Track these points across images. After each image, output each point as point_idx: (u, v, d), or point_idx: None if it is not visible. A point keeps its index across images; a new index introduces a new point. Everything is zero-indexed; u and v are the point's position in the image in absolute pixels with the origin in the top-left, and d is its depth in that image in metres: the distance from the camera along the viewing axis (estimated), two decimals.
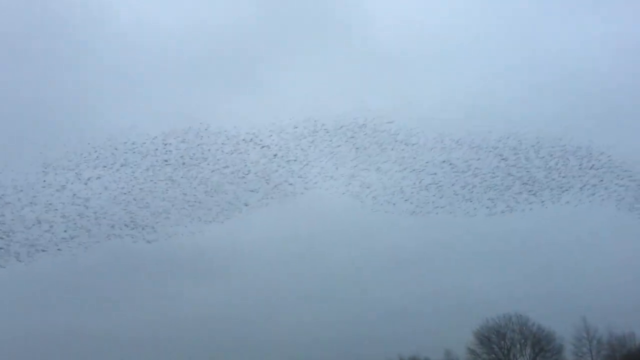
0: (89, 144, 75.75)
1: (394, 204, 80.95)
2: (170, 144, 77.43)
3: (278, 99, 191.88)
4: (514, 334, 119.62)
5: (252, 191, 78.15)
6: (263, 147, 79.93)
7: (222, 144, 78.88)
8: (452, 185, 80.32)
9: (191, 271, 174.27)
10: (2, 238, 67.84)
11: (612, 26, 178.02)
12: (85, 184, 73.49)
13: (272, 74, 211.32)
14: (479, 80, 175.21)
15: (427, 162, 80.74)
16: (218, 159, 78.01)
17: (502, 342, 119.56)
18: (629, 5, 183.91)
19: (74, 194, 72.83)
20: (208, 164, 77.59)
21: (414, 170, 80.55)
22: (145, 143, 76.73)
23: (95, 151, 75.04)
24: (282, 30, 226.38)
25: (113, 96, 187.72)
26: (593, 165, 77.10)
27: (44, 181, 72.51)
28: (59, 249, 71.92)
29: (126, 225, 74.36)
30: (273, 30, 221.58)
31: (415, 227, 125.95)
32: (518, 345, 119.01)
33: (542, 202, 78.19)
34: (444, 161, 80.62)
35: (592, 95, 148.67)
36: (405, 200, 79.93)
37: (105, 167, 75.10)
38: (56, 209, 71.75)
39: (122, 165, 75.53)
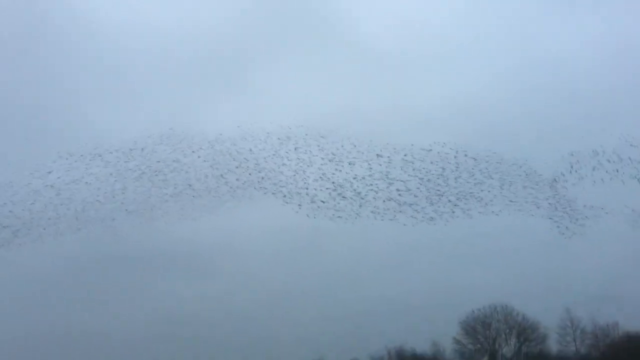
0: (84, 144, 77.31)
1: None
2: (161, 143, 78.76)
3: (270, 100, 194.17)
4: (499, 323, 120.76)
5: (240, 188, 79.44)
6: (250, 148, 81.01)
7: (210, 142, 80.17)
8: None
9: (185, 268, 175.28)
10: None
11: (612, 26, 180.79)
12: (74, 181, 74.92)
13: (265, 75, 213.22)
14: (477, 81, 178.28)
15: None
16: (205, 159, 79.30)
17: (488, 332, 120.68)
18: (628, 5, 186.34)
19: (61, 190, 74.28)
20: (195, 163, 78.85)
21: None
22: (136, 143, 78.12)
23: (84, 153, 76.33)
24: (276, 30, 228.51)
25: (103, 96, 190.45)
26: None
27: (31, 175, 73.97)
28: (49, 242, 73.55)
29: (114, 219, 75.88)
30: (266, 31, 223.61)
31: (402, 226, 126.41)
32: (503, 335, 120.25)
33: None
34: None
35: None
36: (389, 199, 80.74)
37: (92, 165, 76.32)
38: (48, 204, 73.33)
39: (108, 163, 76.74)
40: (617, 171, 73.82)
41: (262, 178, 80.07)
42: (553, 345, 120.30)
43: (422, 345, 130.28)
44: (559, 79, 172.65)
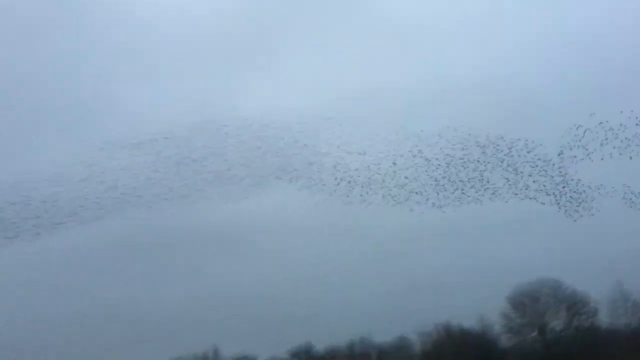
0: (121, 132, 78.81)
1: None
2: (195, 130, 79.74)
3: (296, 80, 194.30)
4: (548, 297, 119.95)
5: (275, 172, 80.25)
6: (283, 128, 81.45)
7: (245, 126, 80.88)
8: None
9: (227, 249, 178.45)
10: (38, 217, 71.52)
11: None
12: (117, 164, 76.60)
13: (291, 52, 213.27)
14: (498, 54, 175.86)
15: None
16: (238, 145, 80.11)
17: (536, 306, 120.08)
18: None
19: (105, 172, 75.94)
20: (229, 148, 79.77)
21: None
22: (171, 131, 79.30)
23: (124, 141, 77.70)
24: (300, 6, 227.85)
25: (131, 80, 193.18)
26: None
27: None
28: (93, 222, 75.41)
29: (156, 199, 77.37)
30: (290, 7, 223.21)
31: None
32: (552, 309, 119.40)
33: None
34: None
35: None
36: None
37: (132, 153, 77.76)
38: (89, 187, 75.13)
39: (147, 150, 78.09)
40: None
41: (295, 161, 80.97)
42: (604, 319, 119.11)
43: (469, 321, 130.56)
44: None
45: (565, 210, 76.21)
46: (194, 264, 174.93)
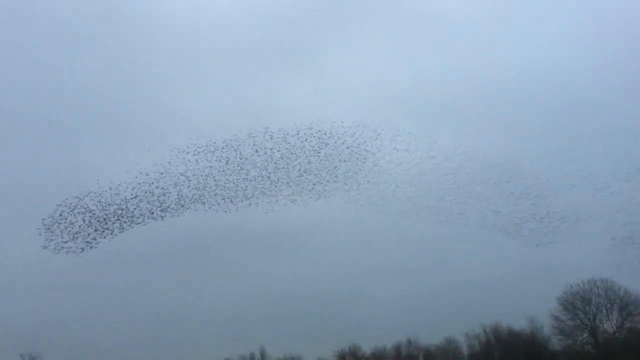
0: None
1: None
2: (247, 138, 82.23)
3: (341, 79, 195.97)
4: (600, 299, 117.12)
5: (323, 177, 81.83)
6: (324, 133, 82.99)
7: (289, 134, 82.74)
8: None
9: (276, 250, 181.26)
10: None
11: None
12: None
13: (335, 53, 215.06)
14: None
15: None
16: (286, 147, 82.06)
17: (587, 307, 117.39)
18: None
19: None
20: (278, 151, 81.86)
21: None
22: (225, 140, 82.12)
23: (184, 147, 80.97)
24: (342, 6, 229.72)
25: (186, 89, 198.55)
26: None
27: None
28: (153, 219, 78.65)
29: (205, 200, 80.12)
30: (332, 7, 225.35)
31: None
32: (604, 311, 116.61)
33: None
34: None
35: None
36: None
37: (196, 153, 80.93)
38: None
39: (204, 156, 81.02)
40: None
41: (343, 165, 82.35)
42: None
43: (518, 322, 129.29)
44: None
45: None
46: (245, 263, 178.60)
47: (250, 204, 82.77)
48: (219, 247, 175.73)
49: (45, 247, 74.17)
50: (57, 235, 74.72)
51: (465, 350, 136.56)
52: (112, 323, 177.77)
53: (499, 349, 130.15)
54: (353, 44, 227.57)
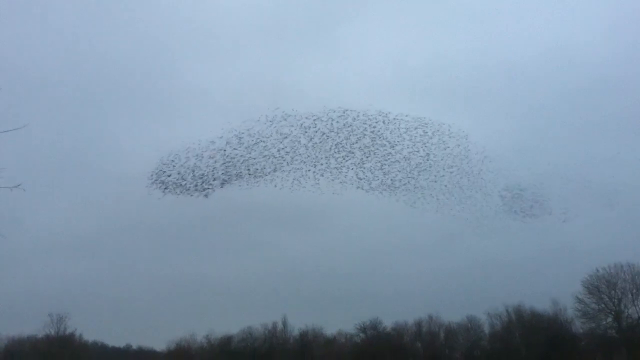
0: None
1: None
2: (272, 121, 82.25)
3: (356, 57, 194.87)
4: (626, 283, 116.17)
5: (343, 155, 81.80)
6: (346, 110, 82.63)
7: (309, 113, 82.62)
8: None
9: (301, 224, 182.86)
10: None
11: None
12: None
13: (353, 31, 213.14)
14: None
15: None
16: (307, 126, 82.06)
17: (613, 292, 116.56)
18: None
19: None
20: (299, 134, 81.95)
21: None
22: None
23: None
24: None
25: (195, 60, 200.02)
26: None
27: None
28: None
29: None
30: None
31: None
32: (630, 295, 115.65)
33: None
34: None
35: None
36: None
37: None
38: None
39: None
40: None
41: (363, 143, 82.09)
42: None
43: (541, 304, 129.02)
44: None
45: None
46: (272, 237, 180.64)
47: (271, 180, 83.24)
48: (247, 221, 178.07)
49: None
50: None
51: (486, 329, 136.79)
52: (137, 289, 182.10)
53: (520, 329, 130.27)
54: (369, 22, 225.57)
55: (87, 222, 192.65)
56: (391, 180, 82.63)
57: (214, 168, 79.78)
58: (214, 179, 79.85)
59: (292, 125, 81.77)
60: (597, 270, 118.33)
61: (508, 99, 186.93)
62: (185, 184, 78.93)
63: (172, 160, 79.21)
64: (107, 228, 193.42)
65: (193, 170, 79.37)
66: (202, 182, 79.59)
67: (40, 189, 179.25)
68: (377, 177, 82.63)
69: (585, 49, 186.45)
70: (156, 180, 78.39)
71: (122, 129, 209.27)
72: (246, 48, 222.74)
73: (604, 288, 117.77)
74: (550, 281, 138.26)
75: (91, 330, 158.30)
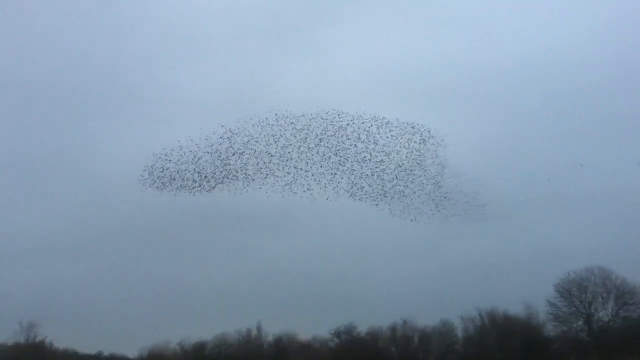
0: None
1: None
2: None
3: (334, 60, 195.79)
4: (596, 287, 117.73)
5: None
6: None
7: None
8: None
9: (275, 227, 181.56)
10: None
11: None
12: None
13: (331, 33, 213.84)
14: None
15: None
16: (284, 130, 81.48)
17: (584, 295, 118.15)
18: None
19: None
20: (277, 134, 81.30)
21: None
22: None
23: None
24: None
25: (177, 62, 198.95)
26: None
27: None
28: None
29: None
30: None
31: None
32: (600, 299, 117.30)
33: None
34: None
35: None
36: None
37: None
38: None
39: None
40: None
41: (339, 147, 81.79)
42: None
43: (514, 307, 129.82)
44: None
45: None
46: (243, 241, 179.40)
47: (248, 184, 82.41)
48: (218, 225, 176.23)
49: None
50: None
51: (460, 333, 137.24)
52: (110, 294, 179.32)
53: (494, 332, 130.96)
54: (347, 25, 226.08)
55: (57, 227, 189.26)
56: (383, 188, 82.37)
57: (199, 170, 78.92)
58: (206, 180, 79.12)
59: (285, 129, 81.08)
60: (569, 274, 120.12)
61: (489, 103, 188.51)
62: (186, 179, 77.99)
63: (167, 155, 78.01)
64: (78, 233, 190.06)
65: (195, 164, 78.35)
66: (202, 179, 78.66)
67: (12, 193, 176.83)
68: (370, 184, 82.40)
69: (568, 54, 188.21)
70: (151, 173, 77.11)
71: (105, 131, 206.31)
72: (231, 51, 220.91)
73: (575, 291, 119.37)
74: (524, 285, 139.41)
75: (62, 337, 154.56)
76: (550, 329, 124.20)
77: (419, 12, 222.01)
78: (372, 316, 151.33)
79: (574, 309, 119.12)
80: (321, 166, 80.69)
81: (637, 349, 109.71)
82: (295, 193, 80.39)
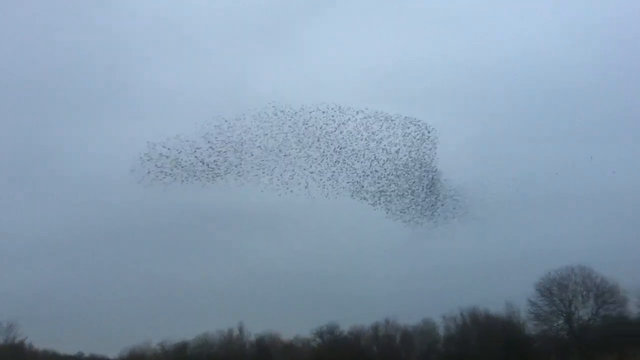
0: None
1: None
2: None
3: (319, 60, 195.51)
4: (577, 286, 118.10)
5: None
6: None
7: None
8: None
9: (254, 227, 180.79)
10: None
11: None
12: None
13: (313, 33, 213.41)
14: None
15: None
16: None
17: (564, 294, 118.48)
18: None
19: None
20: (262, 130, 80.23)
21: None
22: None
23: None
24: None
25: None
26: None
27: None
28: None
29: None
30: None
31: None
32: (580, 298, 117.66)
33: None
34: None
35: None
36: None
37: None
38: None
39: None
40: None
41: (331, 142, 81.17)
42: (633, 309, 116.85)
43: (495, 306, 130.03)
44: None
45: None
46: (225, 241, 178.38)
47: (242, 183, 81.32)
48: (202, 227, 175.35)
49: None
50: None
51: (442, 332, 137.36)
52: (91, 295, 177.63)
53: (475, 331, 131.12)
54: (333, 24, 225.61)
55: (37, 228, 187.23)
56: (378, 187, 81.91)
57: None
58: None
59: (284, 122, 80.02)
60: (550, 273, 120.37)
61: (471, 103, 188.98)
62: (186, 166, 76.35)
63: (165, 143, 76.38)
64: (58, 233, 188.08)
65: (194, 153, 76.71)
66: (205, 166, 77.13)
67: None
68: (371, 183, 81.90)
69: (546, 57, 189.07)
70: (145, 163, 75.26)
71: (101, 130, 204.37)
72: (213, 49, 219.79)
73: (556, 290, 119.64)
74: (506, 285, 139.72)
75: (42, 338, 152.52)
76: (531, 328, 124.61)
77: (409, 13, 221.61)
78: (355, 316, 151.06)
79: (554, 307, 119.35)
80: (319, 164, 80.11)
81: (616, 347, 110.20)
82: (292, 191, 79.86)
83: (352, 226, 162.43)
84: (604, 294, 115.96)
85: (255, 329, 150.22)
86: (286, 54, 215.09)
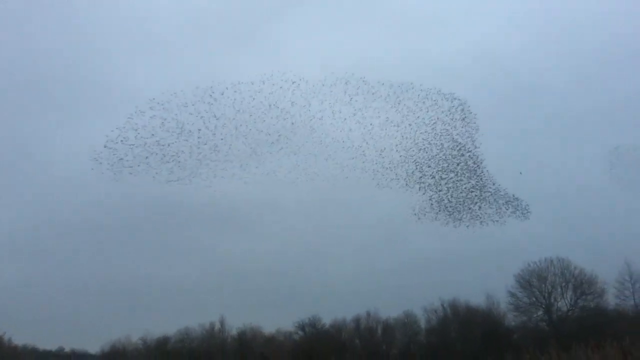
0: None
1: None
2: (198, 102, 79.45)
3: (288, 53, 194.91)
4: (555, 277, 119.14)
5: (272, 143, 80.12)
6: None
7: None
8: None
9: (233, 225, 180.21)
10: None
11: None
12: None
13: (282, 28, 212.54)
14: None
15: None
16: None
17: (543, 285, 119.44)
18: None
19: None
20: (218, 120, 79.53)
21: None
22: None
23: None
24: None
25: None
26: None
27: None
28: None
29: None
30: None
31: None
32: (559, 289, 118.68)
33: None
34: None
35: None
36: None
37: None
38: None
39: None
40: None
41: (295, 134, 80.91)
42: (611, 300, 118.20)
43: (476, 298, 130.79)
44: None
45: None
46: (205, 237, 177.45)
47: (201, 176, 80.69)
48: (183, 221, 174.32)
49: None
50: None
51: (423, 324, 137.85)
52: (71, 290, 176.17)
53: (456, 323, 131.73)
54: (300, 22, 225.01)
55: (14, 223, 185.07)
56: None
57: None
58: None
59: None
60: (529, 265, 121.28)
61: None
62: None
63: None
64: (36, 228, 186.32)
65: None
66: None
67: None
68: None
69: (513, 56, 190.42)
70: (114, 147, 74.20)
71: (61, 127, 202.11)
72: (180, 46, 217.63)
73: (535, 282, 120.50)
74: (487, 277, 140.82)
75: (21, 333, 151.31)
76: (511, 319, 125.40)
77: (373, 12, 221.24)
78: (337, 309, 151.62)
79: (534, 299, 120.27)
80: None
81: (593, 338, 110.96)
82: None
83: (331, 221, 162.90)
84: (582, 284, 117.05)
85: (236, 323, 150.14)
86: (257, 53, 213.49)
